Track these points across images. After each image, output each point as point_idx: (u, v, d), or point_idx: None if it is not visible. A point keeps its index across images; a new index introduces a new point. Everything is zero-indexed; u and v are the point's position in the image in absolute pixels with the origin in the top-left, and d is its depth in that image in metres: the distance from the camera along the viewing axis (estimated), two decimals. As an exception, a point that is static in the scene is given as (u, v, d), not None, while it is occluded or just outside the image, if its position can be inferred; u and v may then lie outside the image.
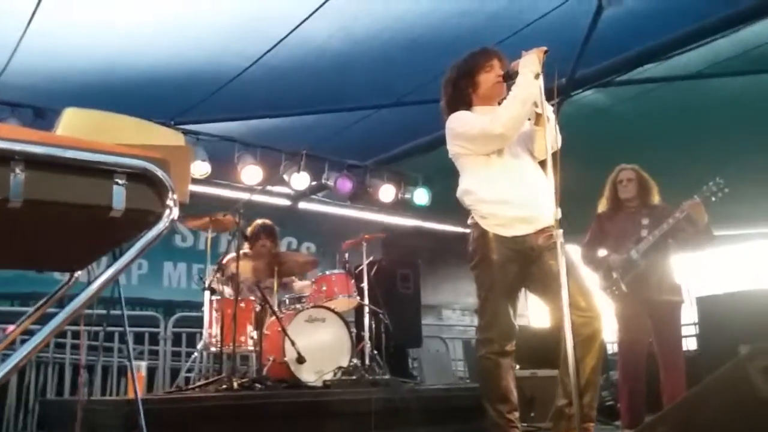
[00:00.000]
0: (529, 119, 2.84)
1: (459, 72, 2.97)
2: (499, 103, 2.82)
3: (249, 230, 5.16)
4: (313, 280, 5.32)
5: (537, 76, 2.67)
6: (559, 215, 2.50)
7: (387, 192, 7.09)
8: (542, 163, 2.77)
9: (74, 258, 1.74)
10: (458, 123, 2.88)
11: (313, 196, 7.80)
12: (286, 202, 7.78)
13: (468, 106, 2.94)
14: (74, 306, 1.32)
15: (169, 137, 1.64)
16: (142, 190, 1.34)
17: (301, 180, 6.53)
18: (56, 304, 1.84)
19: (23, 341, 1.33)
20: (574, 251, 4.14)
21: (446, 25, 4.44)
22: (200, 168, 5.87)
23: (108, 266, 1.36)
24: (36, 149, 1.24)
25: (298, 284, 5.48)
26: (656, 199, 4.19)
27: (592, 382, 2.64)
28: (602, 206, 4.31)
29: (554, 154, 2.56)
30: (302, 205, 7.94)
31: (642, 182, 4.19)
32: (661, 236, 3.95)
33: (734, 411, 1.87)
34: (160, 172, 1.35)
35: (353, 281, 5.27)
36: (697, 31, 4.53)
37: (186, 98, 5.34)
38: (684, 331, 4.40)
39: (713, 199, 3.85)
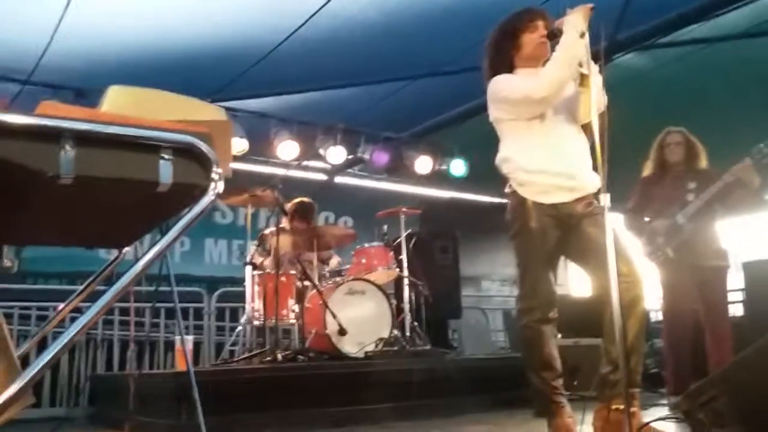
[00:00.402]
0: (574, 80, 2.74)
1: (501, 32, 2.86)
2: (544, 65, 2.73)
3: (288, 207, 5.21)
4: (352, 252, 5.36)
5: (583, 35, 2.55)
6: (600, 181, 2.45)
7: (423, 164, 7.05)
8: (586, 126, 2.69)
9: (123, 234, 1.78)
10: (501, 86, 2.80)
11: (350, 170, 7.80)
12: (323, 177, 7.81)
13: (510, 68, 2.84)
14: (124, 282, 1.34)
15: (210, 112, 1.65)
16: (188, 165, 1.36)
17: (337, 154, 6.53)
18: (103, 282, 1.88)
19: (72, 319, 1.35)
20: (615, 218, 4.08)
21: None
22: (238, 145, 5.91)
23: (152, 244, 1.38)
24: (84, 126, 1.26)
25: (335, 260, 5.53)
26: (704, 163, 4.08)
27: (636, 347, 2.61)
28: (647, 170, 4.22)
29: (601, 115, 2.48)
30: (339, 179, 7.95)
31: (690, 146, 4.09)
32: (708, 200, 3.86)
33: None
34: (204, 147, 1.37)
35: (392, 253, 5.28)
36: (742, -12, 4.39)
37: (221, 75, 5.36)
38: (730, 297, 4.31)
39: (764, 161, 3.74)
